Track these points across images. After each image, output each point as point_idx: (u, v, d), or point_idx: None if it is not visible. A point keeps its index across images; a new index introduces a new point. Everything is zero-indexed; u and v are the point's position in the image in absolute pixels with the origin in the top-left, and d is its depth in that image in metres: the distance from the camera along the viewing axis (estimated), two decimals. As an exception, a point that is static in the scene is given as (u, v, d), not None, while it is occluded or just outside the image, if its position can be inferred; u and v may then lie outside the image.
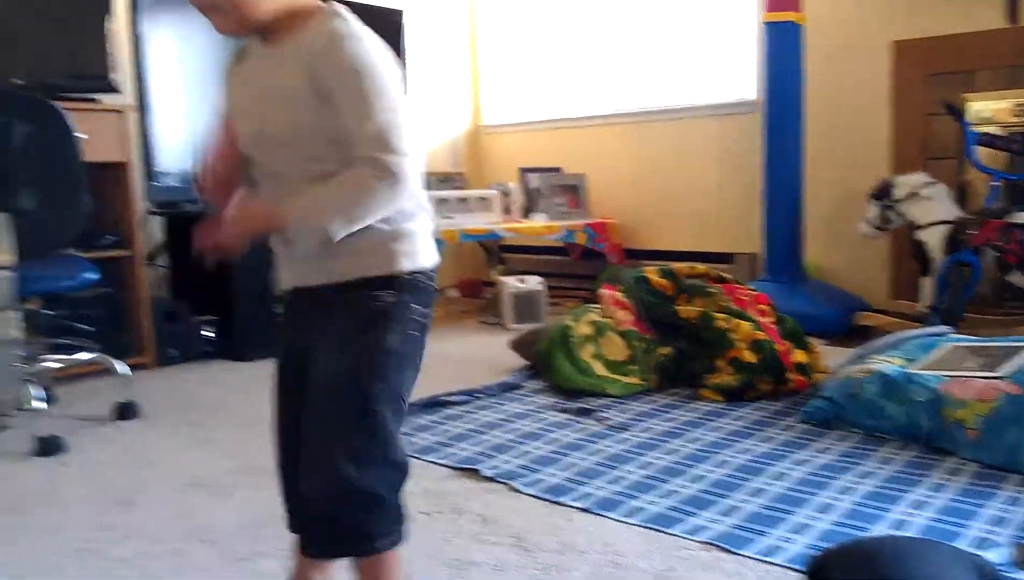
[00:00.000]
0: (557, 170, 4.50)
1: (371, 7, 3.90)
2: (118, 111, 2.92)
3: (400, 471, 1.15)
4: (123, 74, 3.03)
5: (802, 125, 3.61)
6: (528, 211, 4.36)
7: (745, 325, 2.60)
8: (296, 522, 1.23)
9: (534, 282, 3.95)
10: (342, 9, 1.11)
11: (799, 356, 2.63)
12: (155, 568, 1.49)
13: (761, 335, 2.58)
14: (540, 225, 4.19)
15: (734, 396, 2.50)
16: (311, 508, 1.12)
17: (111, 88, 2.93)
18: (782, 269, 3.61)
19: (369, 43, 1.08)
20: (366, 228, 1.10)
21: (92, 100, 2.89)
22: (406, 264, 1.14)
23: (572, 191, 4.44)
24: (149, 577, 1.46)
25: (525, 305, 3.90)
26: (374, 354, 1.12)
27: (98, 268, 2.44)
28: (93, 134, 2.23)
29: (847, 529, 1.59)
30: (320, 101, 1.07)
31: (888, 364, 2.23)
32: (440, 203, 4.16)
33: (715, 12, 4.25)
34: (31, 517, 1.74)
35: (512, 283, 3.90)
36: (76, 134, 2.12)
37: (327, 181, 1.08)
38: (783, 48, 3.53)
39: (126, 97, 3.04)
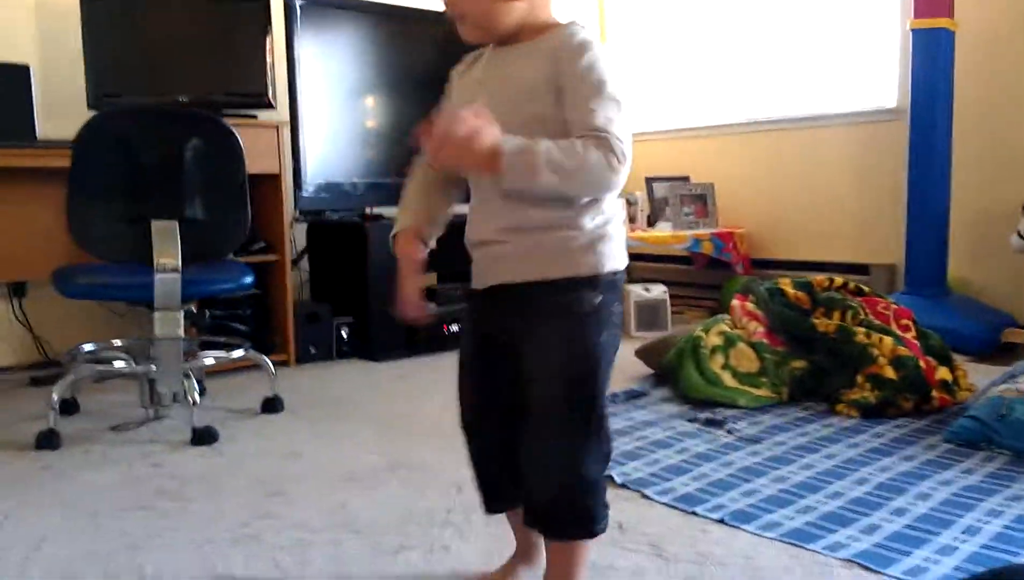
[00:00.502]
0: (685, 179, 4.47)
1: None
2: (275, 127, 3.12)
3: (609, 461, 1.27)
4: (278, 90, 3.22)
5: (950, 133, 3.46)
6: (654, 220, 4.35)
7: (887, 340, 2.52)
8: (498, 504, 1.39)
9: (659, 290, 3.94)
10: (582, 25, 1.22)
11: (943, 373, 2.53)
12: (312, 556, 1.58)
13: (904, 351, 2.49)
14: (666, 234, 4.17)
15: (873, 413, 2.43)
16: (546, 497, 1.23)
17: (268, 105, 3.13)
18: (924, 282, 3.47)
19: (604, 51, 1.19)
20: (576, 228, 1.18)
21: (251, 116, 3.10)
22: (609, 265, 1.21)
23: (699, 200, 4.40)
24: (307, 564, 1.55)
25: (649, 313, 3.89)
26: (593, 356, 1.20)
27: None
28: (251, 148, 2.39)
29: (996, 553, 1.53)
30: (555, 96, 1.16)
31: (1043, 384, 2.12)
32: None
33: (851, 17, 4.12)
34: (192, 503, 1.87)
35: (637, 291, 3.90)
36: (242, 149, 2.28)
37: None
38: (932, 54, 3.39)
39: (280, 112, 3.23)
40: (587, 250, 1.19)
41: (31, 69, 2.92)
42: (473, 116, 1.08)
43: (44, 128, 2.96)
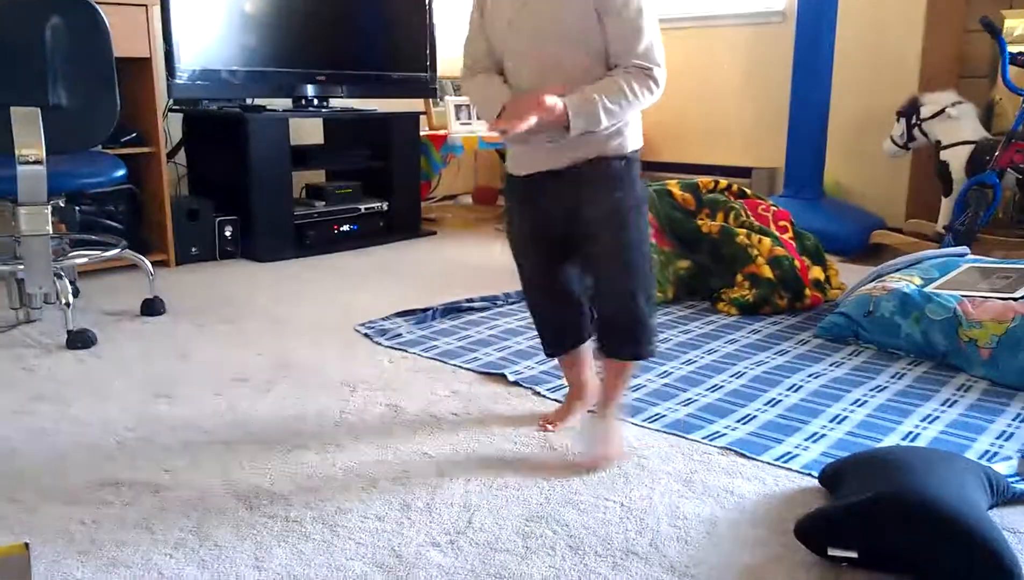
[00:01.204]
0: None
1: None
2: (144, 5, 2.87)
3: (654, 302, 1.57)
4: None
5: (834, 39, 3.54)
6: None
7: (766, 241, 2.62)
8: (558, 348, 1.71)
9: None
10: None
11: (816, 273, 2.67)
12: (202, 458, 1.56)
13: (780, 251, 2.60)
14: (558, 133, 4.16)
15: (751, 310, 2.55)
16: (615, 327, 1.54)
17: (135, -19, 2.88)
18: (802, 185, 3.62)
19: None
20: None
21: (116, -7, 2.84)
22: (630, 145, 1.50)
23: (591, 100, 4.39)
24: (197, 467, 1.52)
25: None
26: (639, 212, 1.51)
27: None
28: (116, 29, 2.20)
29: (860, 439, 1.65)
30: (599, 15, 1.39)
31: (906, 282, 2.26)
32: (459, 109, 4.13)
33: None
34: (72, 407, 1.80)
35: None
36: (108, 29, 2.09)
37: (597, 81, 1.40)
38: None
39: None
40: (620, 133, 1.47)
41: None
42: (540, 97, 1.36)
43: None
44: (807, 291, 2.59)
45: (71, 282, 2.47)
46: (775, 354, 2.19)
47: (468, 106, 4.19)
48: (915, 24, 3.65)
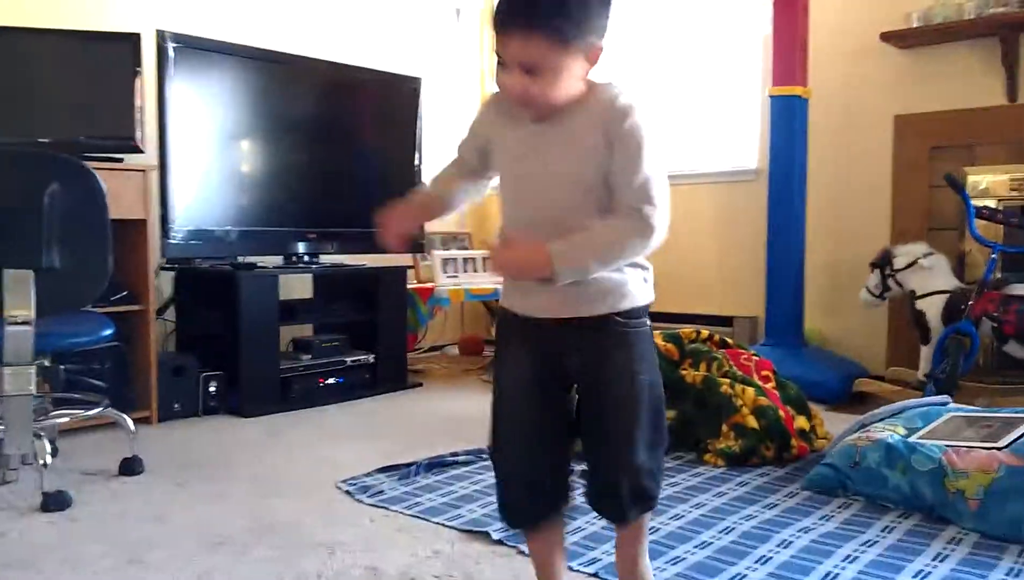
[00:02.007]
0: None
1: (393, 75, 4.02)
2: (142, 170, 2.99)
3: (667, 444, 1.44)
4: (146, 134, 3.11)
5: (805, 194, 3.70)
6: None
7: (749, 390, 2.63)
8: (527, 519, 1.48)
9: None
10: (617, 82, 1.34)
11: (802, 422, 2.67)
12: (170, 627, 1.50)
13: (764, 401, 2.61)
14: (543, 286, 4.24)
15: (738, 462, 2.53)
16: (621, 488, 1.38)
17: (136, 149, 3.01)
18: (783, 334, 3.67)
19: (645, 113, 1.30)
20: (620, 269, 1.35)
21: (117, 160, 2.97)
22: (648, 296, 1.40)
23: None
24: (164, 637, 1.46)
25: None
26: (651, 370, 1.39)
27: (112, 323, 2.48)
28: (115, 192, 2.29)
29: (853, 599, 1.61)
30: (607, 152, 1.28)
31: (890, 432, 2.27)
32: (446, 263, 4.23)
33: (717, 82, 4.38)
34: (43, 575, 1.75)
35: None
36: (105, 195, 2.17)
37: (589, 227, 1.29)
38: (788, 120, 3.65)
39: (148, 156, 3.11)
40: (628, 285, 1.37)
41: None
42: (525, 244, 1.31)
43: None
44: (793, 441, 2.58)
45: (51, 441, 2.44)
46: (764, 507, 2.16)
47: (455, 260, 4.29)
48: (883, 180, 3.83)
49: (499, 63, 1.29)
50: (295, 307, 3.65)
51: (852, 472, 2.23)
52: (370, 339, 3.78)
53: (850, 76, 3.90)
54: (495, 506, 2.12)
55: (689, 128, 4.47)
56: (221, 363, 3.31)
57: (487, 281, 4.15)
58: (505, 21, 1.24)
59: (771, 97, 3.69)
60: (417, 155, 4.07)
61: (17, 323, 2.10)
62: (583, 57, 1.27)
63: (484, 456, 2.61)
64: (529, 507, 1.45)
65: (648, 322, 1.41)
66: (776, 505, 2.18)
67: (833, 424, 2.81)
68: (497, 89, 1.35)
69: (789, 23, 3.60)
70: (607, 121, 1.28)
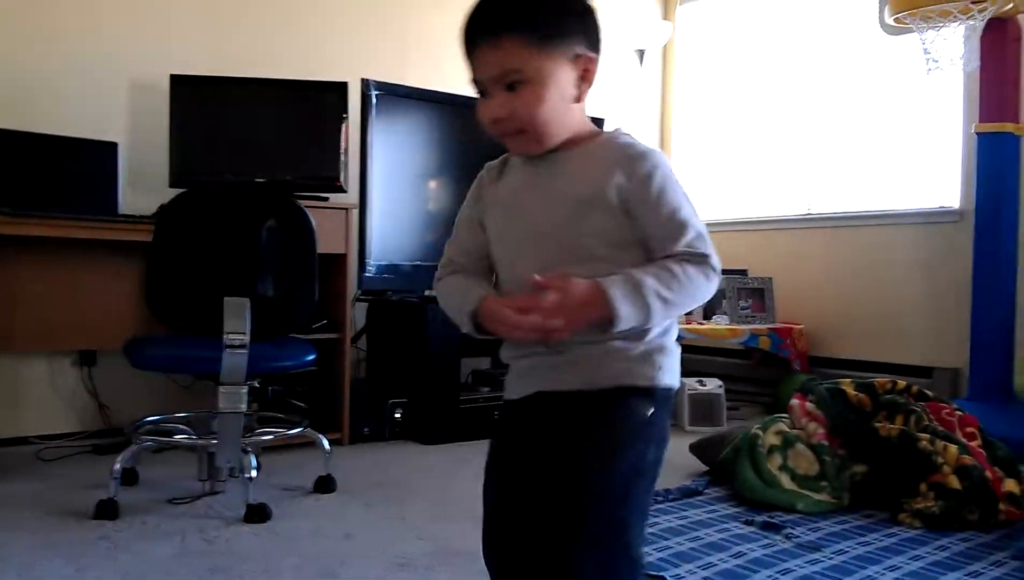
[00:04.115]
0: (743, 273, 4.47)
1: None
2: (344, 209, 3.23)
3: (639, 568, 1.14)
4: (349, 174, 3.35)
5: (1016, 237, 3.43)
6: (710, 313, 4.34)
7: (952, 448, 2.45)
8: None
9: (714, 384, 3.90)
10: (627, 131, 1.19)
11: (1011, 486, 2.44)
12: (360, 642, 1.57)
13: (969, 460, 2.42)
14: (723, 328, 4.15)
15: (937, 524, 2.35)
16: None
17: (340, 189, 3.25)
18: (989, 388, 3.38)
19: (666, 161, 1.15)
20: (638, 335, 1.11)
21: (322, 198, 3.22)
22: (666, 378, 1.14)
23: (757, 294, 4.39)
24: (355, 650, 1.54)
25: (704, 407, 3.85)
26: (635, 471, 1.11)
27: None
28: (321, 228, 2.47)
29: None
30: (619, 209, 1.11)
31: (1120, 504, 2.04)
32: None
33: (915, 118, 4.15)
34: None
35: (691, 384, 3.87)
36: (315, 231, 2.36)
37: (647, 266, 1.08)
38: (997, 158, 3.41)
39: (349, 195, 3.35)
40: (644, 360, 1.12)
41: (119, 146, 3.09)
42: (563, 281, 1.05)
43: (127, 203, 3.11)
44: (1001, 505, 2.37)
45: (255, 456, 2.64)
46: (967, 575, 2.00)
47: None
48: (1108, 222, 3.48)
49: (480, 97, 1.15)
50: (476, 340, 3.75)
51: (1073, 545, 2.02)
52: (547, 374, 3.82)
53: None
54: (672, 551, 2.11)
55: (880, 164, 4.25)
56: (407, 390, 3.48)
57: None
58: (473, 35, 1.12)
59: (978, 134, 3.45)
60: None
61: (234, 346, 2.30)
62: (569, 65, 1.12)
63: (658, 499, 2.57)
64: None
65: (653, 410, 1.13)
66: (981, 574, 2.01)
67: (1049, 490, 2.56)
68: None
69: (1000, 56, 3.37)
70: (624, 173, 1.11)
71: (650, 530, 2.29)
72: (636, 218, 1.11)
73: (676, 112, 5.10)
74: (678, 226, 1.10)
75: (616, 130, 1.19)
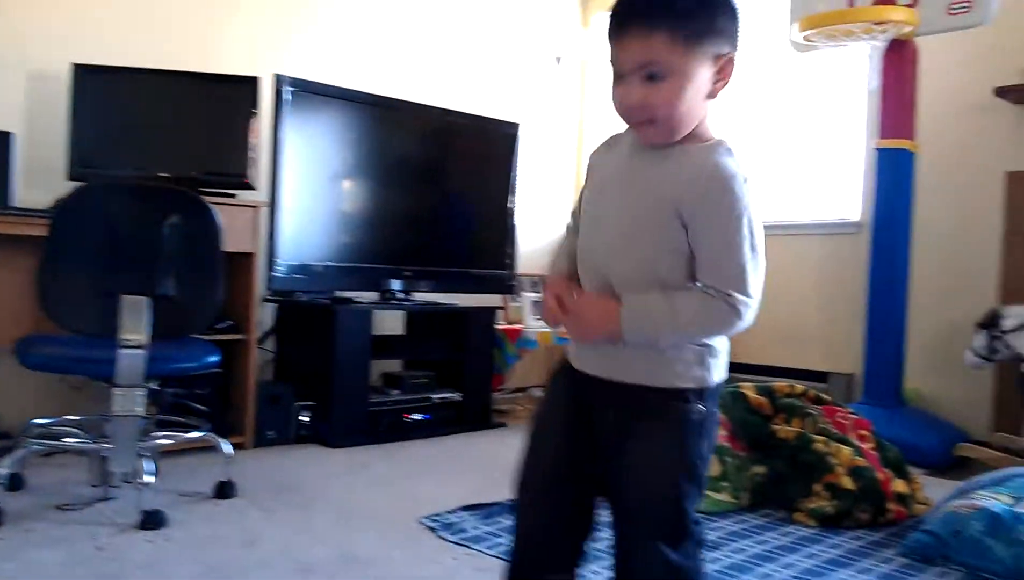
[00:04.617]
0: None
1: (492, 120, 4.12)
2: (253, 206, 3.15)
3: (701, 546, 1.26)
4: (259, 171, 3.27)
5: (909, 249, 3.59)
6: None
7: (845, 450, 2.55)
8: (552, 563, 1.29)
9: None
10: (733, 147, 1.19)
11: (900, 486, 2.56)
12: (257, 649, 1.54)
13: (861, 462, 2.52)
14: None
15: (830, 523, 2.44)
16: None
17: (248, 185, 3.17)
18: (881, 393, 3.54)
19: (750, 187, 1.15)
20: (683, 345, 1.20)
21: (229, 195, 3.13)
22: (715, 377, 1.23)
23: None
24: (252, 658, 1.50)
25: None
26: (695, 466, 1.21)
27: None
28: (227, 226, 2.41)
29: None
30: (682, 223, 1.15)
31: (995, 501, 2.16)
32: (535, 305, 4.26)
33: (821, 133, 4.31)
34: (140, 588, 1.82)
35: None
36: (220, 229, 2.29)
37: (671, 291, 1.16)
38: (894, 174, 3.56)
39: (259, 193, 3.27)
40: (697, 362, 1.21)
41: (15, 137, 2.94)
42: (592, 303, 1.20)
43: (22, 195, 2.96)
44: (890, 505, 2.48)
45: (153, 461, 2.55)
46: (857, 572, 2.08)
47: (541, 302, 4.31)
48: (992, 237, 3.68)
49: (615, 79, 1.16)
50: (387, 342, 3.74)
51: (953, 540, 2.12)
52: (457, 377, 3.82)
53: (961, 131, 3.78)
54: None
55: (789, 178, 4.40)
56: (314, 394, 3.41)
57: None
58: (624, 21, 1.13)
59: (877, 150, 3.61)
60: (511, 199, 4.13)
61: (131, 346, 2.22)
62: (711, 65, 1.14)
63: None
64: (537, 559, 1.30)
65: (704, 409, 1.21)
66: (870, 570, 2.10)
67: (932, 489, 2.69)
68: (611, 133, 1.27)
69: (899, 76, 3.53)
70: (698, 188, 1.14)
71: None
72: (692, 234, 1.15)
73: (592, 119, 5.17)
74: (726, 260, 1.14)
75: (720, 142, 1.19)
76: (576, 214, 1.34)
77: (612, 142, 1.30)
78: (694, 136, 1.18)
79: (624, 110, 1.17)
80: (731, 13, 1.16)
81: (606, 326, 1.17)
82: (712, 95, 1.17)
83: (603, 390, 1.24)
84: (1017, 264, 3.61)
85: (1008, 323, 3.26)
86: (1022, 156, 3.61)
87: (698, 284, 1.16)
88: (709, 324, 1.16)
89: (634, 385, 1.21)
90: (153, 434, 2.62)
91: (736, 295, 1.14)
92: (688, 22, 1.11)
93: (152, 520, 2.24)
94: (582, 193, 1.32)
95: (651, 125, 1.16)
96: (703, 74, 1.14)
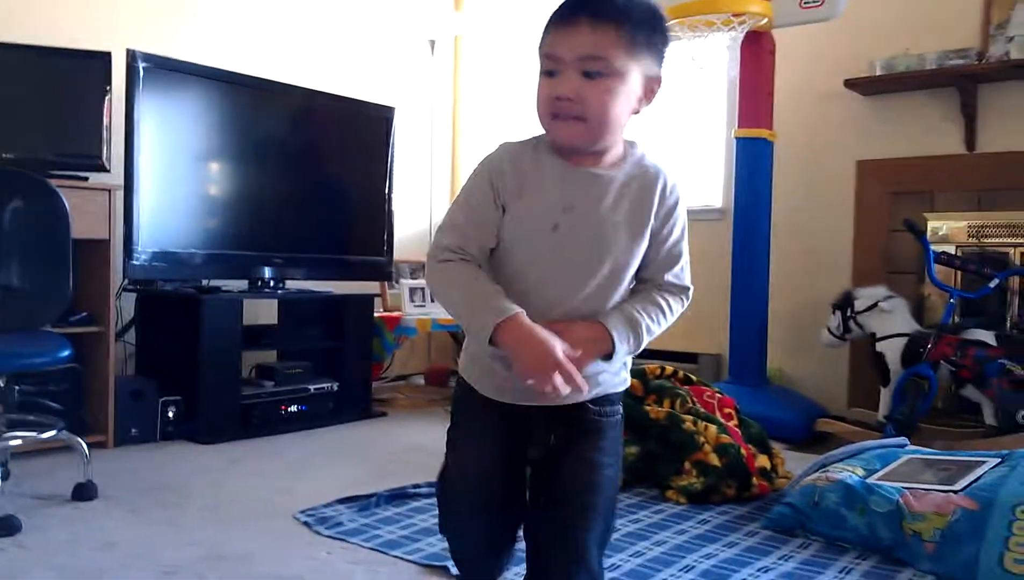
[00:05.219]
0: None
1: (366, 103, 4.03)
2: (107, 190, 2.95)
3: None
4: (114, 153, 3.08)
5: (769, 235, 3.75)
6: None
7: (712, 428, 2.65)
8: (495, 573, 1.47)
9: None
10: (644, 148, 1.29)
11: (763, 461, 2.68)
12: (116, 660, 1.46)
13: (727, 439, 2.63)
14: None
15: (699, 499, 2.53)
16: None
17: (101, 167, 2.97)
18: (746, 372, 3.69)
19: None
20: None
21: (81, 178, 2.93)
22: (623, 382, 1.34)
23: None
24: (110, 670, 1.42)
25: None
26: (616, 462, 1.33)
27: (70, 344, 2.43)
28: (79, 211, 2.26)
29: (810, 640, 1.61)
30: (643, 232, 1.24)
31: (849, 473, 2.29)
32: (413, 292, 4.22)
33: (684, 122, 4.45)
34: (-14, 601, 1.70)
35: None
36: (68, 213, 2.15)
37: (637, 298, 1.25)
38: (753, 162, 3.70)
39: (114, 176, 3.08)
40: (622, 367, 1.31)
41: None
42: (581, 337, 1.18)
43: None
44: (754, 480, 2.59)
45: (2, 464, 2.38)
46: (724, 546, 2.16)
47: (423, 289, 4.28)
48: (845, 223, 3.90)
49: (546, 74, 1.16)
50: (259, 333, 3.61)
51: (811, 512, 2.24)
52: (335, 367, 3.74)
53: (815, 121, 3.99)
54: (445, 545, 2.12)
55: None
56: (181, 388, 3.26)
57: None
58: (575, 10, 1.14)
59: (737, 139, 3.75)
60: (388, 184, 4.07)
61: (-30, 342, 2.05)
62: (642, 78, 1.18)
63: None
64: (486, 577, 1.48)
65: (620, 410, 1.33)
66: (736, 544, 2.19)
67: (794, 463, 2.83)
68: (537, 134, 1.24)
69: (756, 67, 3.67)
70: (659, 199, 1.25)
71: (434, 520, 2.29)
72: (653, 241, 1.26)
73: (466, 102, 5.15)
74: (675, 257, 1.27)
75: (633, 144, 1.27)
76: (475, 240, 1.21)
77: (530, 156, 1.22)
78: (618, 154, 1.25)
79: (552, 102, 1.15)
80: (666, 42, 1.23)
81: (600, 352, 1.21)
82: (636, 111, 1.22)
83: (543, 416, 1.27)
84: (867, 248, 3.84)
85: (860, 304, 3.47)
86: (871, 146, 3.84)
87: (648, 281, 1.28)
88: (672, 318, 1.27)
89: (580, 402, 1.26)
90: (2, 434, 2.44)
91: (689, 287, 1.29)
92: (636, 29, 1.15)
93: (3, 526, 2.10)
94: (481, 204, 1.21)
95: (578, 123, 1.16)
96: (636, 84, 1.18)
